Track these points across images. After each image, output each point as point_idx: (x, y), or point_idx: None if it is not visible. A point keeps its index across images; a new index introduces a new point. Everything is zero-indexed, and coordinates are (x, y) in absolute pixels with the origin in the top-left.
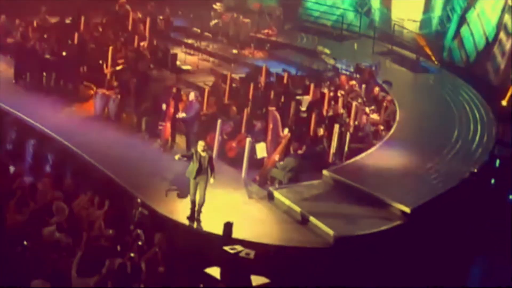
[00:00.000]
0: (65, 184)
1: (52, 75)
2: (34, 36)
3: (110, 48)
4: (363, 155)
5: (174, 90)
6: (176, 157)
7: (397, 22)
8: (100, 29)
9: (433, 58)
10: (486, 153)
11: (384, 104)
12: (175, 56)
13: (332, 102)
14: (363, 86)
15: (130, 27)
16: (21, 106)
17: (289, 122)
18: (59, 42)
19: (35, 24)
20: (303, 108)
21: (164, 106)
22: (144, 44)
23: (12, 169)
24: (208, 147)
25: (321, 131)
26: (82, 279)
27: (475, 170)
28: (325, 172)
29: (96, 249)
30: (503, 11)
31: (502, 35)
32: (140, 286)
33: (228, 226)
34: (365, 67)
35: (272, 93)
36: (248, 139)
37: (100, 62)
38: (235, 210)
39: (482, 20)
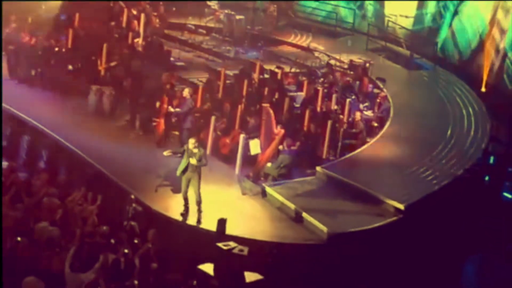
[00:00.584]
0: (59, 180)
1: (46, 71)
2: (29, 32)
3: (105, 44)
4: (356, 151)
5: (168, 86)
6: (165, 153)
7: (390, 18)
8: (94, 25)
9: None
10: (480, 150)
11: (378, 100)
12: (169, 52)
13: (326, 99)
14: (357, 82)
15: (124, 24)
16: (15, 102)
17: (283, 118)
18: (54, 38)
19: (29, 20)
20: (297, 105)
21: (158, 103)
22: (138, 40)
23: (6, 164)
24: (201, 144)
25: (314, 128)
26: (75, 274)
27: (469, 167)
28: (318, 168)
29: (90, 245)
30: (496, 8)
31: (495, 32)
32: (133, 282)
33: (221, 223)
34: (358, 64)
35: (266, 89)
36: (242, 136)
37: (94, 58)
38: (228, 207)
39: (475, 17)
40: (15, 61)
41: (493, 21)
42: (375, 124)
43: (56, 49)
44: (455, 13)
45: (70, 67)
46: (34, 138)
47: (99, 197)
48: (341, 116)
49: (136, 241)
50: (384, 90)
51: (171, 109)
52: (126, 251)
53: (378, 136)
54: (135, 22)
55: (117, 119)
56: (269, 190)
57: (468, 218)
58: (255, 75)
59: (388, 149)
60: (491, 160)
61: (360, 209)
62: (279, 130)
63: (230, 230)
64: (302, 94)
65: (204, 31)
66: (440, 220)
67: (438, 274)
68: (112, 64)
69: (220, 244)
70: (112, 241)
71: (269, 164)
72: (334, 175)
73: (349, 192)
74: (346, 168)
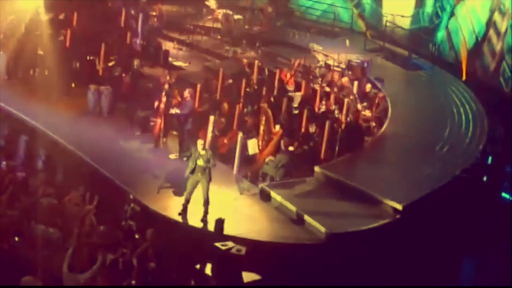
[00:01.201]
0: (57, 179)
1: (45, 71)
2: (27, 32)
3: (103, 44)
4: (355, 151)
5: (167, 86)
6: (171, 156)
7: (388, 17)
8: (93, 25)
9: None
10: (478, 150)
11: (376, 101)
12: (167, 52)
13: (324, 99)
14: (355, 82)
15: (122, 23)
16: (13, 102)
17: (281, 118)
18: (52, 37)
19: (27, 19)
20: (295, 105)
21: (156, 103)
22: (136, 40)
23: (4, 164)
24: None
25: (312, 128)
26: (73, 275)
27: (467, 168)
28: (316, 168)
29: (88, 245)
30: (493, 9)
31: (491, 34)
32: (131, 282)
33: (219, 222)
34: (357, 64)
35: (264, 89)
36: (240, 135)
37: (93, 58)
38: (226, 207)
39: (472, 18)
40: (13, 61)
41: (489, 23)
42: (373, 124)
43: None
44: (452, 14)
45: (68, 66)
46: (32, 138)
47: (96, 198)
48: (339, 116)
49: (134, 240)
50: (382, 90)
51: (172, 111)
52: (124, 251)
53: (376, 136)
54: (134, 22)
55: (115, 118)
56: (267, 190)
57: (467, 218)
58: (253, 75)
59: (386, 149)
60: (489, 160)
61: (358, 209)
62: (277, 130)
63: (228, 230)
64: (300, 94)
65: (203, 31)
66: (438, 220)
67: (437, 274)
68: (111, 64)
69: (218, 244)
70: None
71: (267, 160)
72: (332, 175)
73: (347, 192)
74: (344, 168)
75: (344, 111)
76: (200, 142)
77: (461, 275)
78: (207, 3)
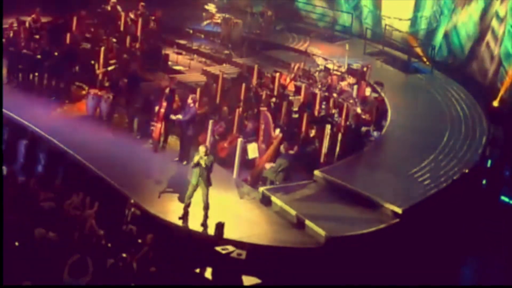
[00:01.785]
0: (57, 184)
1: (44, 75)
2: (26, 36)
3: (102, 48)
4: (354, 155)
5: (167, 91)
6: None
7: (387, 21)
8: (92, 30)
9: (424, 59)
10: (478, 154)
11: (376, 104)
12: (166, 56)
13: (324, 103)
14: (355, 86)
15: (122, 28)
16: (13, 106)
17: (281, 122)
18: (51, 42)
19: (27, 24)
20: (295, 109)
21: (156, 107)
22: (136, 44)
23: (4, 169)
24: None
25: (312, 132)
26: (74, 279)
27: (467, 171)
28: (316, 172)
29: (88, 249)
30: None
31: (489, 39)
32: (131, 286)
33: (219, 227)
34: (356, 68)
35: (264, 93)
36: (240, 140)
37: (92, 62)
38: (226, 211)
39: (470, 23)
40: (14, 66)
41: (487, 28)
42: (373, 128)
43: (55, 53)
44: (450, 18)
45: (68, 71)
46: (32, 143)
47: (96, 204)
48: (339, 120)
49: (134, 244)
50: (382, 94)
51: (173, 117)
52: (124, 255)
53: (376, 140)
54: (133, 26)
55: (114, 123)
56: (267, 194)
57: (466, 221)
58: (253, 79)
59: (386, 153)
60: (489, 164)
61: (358, 213)
62: (277, 134)
63: (228, 234)
64: (300, 98)
65: (202, 35)
66: (438, 223)
67: (437, 277)
68: (110, 68)
69: (218, 248)
70: (109, 245)
71: (267, 167)
72: (332, 179)
73: (347, 196)
74: (344, 172)
75: (344, 115)
76: (202, 149)
77: (461, 279)
78: (206, 7)
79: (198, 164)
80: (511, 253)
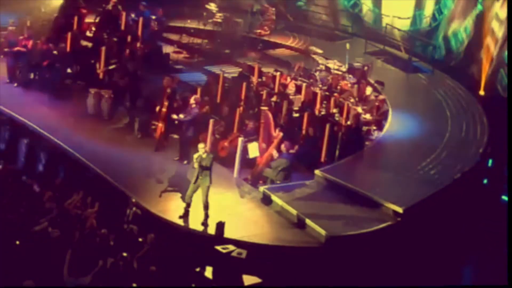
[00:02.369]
0: (58, 183)
1: (45, 74)
2: (27, 35)
3: (103, 48)
4: (355, 155)
5: (169, 90)
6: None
7: (387, 19)
8: (93, 29)
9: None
10: (479, 153)
11: (376, 104)
12: (167, 55)
13: (324, 102)
14: (355, 86)
15: (123, 27)
16: (14, 105)
17: (282, 121)
18: (52, 41)
19: (28, 23)
20: (295, 108)
21: (157, 107)
22: (136, 43)
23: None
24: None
25: (313, 131)
26: (74, 278)
27: (468, 170)
28: (317, 172)
29: (88, 248)
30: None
31: (489, 41)
32: (132, 285)
33: (220, 226)
34: (357, 67)
35: (265, 92)
36: (240, 139)
37: (93, 61)
38: (227, 210)
39: (469, 23)
40: (14, 65)
41: (487, 30)
42: (374, 127)
43: (55, 52)
44: (449, 18)
45: (68, 70)
46: (33, 141)
47: (97, 204)
48: (339, 120)
49: (135, 243)
50: (383, 93)
51: (175, 117)
52: (124, 254)
53: (377, 139)
54: (134, 25)
55: (115, 122)
56: (268, 193)
57: (467, 221)
58: (254, 78)
59: (387, 152)
60: (490, 163)
61: (359, 212)
62: (277, 134)
63: (228, 233)
64: (300, 98)
65: (203, 34)
66: (439, 223)
67: (437, 276)
68: (111, 67)
69: (218, 247)
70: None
71: (267, 167)
72: (333, 178)
73: (347, 196)
74: (344, 171)
75: (345, 115)
76: (201, 146)
77: (461, 278)
78: (207, 6)
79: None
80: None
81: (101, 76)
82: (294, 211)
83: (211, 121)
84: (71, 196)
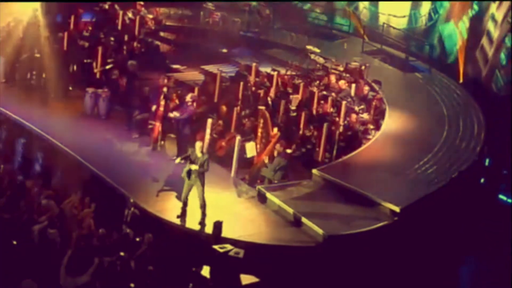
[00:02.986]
0: (55, 182)
1: (42, 74)
2: (24, 35)
3: (100, 47)
4: (352, 154)
5: (165, 89)
6: (177, 160)
7: (384, 17)
8: (90, 28)
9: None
10: (476, 153)
11: (374, 103)
12: (164, 55)
13: (322, 101)
14: (353, 85)
15: (120, 27)
16: (10, 105)
17: (279, 121)
18: (49, 40)
19: (24, 23)
20: (293, 107)
21: (154, 106)
22: (133, 43)
23: (1, 167)
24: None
25: (310, 130)
26: (71, 278)
27: (465, 169)
28: (314, 171)
29: (86, 248)
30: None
31: (484, 41)
32: (130, 285)
33: (217, 225)
34: (354, 67)
35: (262, 92)
36: (238, 138)
37: (90, 61)
38: (224, 209)
39: (465, 24)
40: (11, 64)
41: (483, 30)
42: (371, 127)
43: (53, 52)
44: (445, 17)
45: (66, 69)
46: (29, 141)
47: (93, 204)
48: (337, 119)
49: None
50: (380, 92)
51: (171, 115)
52: (122, 254)
53: (374, 138)
54: (131, 24)
55: (112, 121)
56: (265, 193)
57: (464, 220)
58: (251, 78)
59: (384, 151)
60: (487, 162)
61: (356, 211)
62: (275, 133)
63: (226, 232)
64: (298, 97)
65: (200, 34)
66: (436, 222)
67: (435, 276)
68: (108, 66)
69: (216, 247)
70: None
71: (265, 167)
72: (330, 177)
73: (345, 195)
74: (342, 170)
75: (342, 114)
76: (198, 145)
77: (459, 277)
78: (205, 5)
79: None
80: (509, 251)
81: (98, 75)
82: (291, 211)
83: (208, 120)
84: (68, 196)
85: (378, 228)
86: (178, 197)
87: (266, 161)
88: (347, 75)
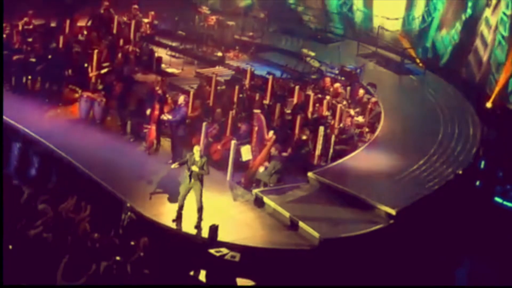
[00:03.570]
0: (51, 187)
1: (37, 78)
2: (19, 39)
3: (95, 51)
4: (348, 157)
5: (160, 92)
6: (173, 166)
7: (378, 20)
8: (85, 32)
9: (417, 61)
10: (471, 155)
11: (369, 106)
12: (160, 59)
13: (317, 105)
14: (348, 88)
15: (115, 30)
16: (6, 110)
17: (274, 124)
18: (44, 45)
19: (20, 27)
20: (288, 111)
21: (149, 110)
22: (129, 47)
23: None
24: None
25: (306, 134)
26: (68, 283)
27: (460, 172)
28: (310, 174)
29: (82, 252)
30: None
31: (478, 45)
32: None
33: (213, 229)
34: (349, 70)
35: (257, 95)
36: (233, 142)
37: (85, 65)
38: (220, 213)
39: (458, 27)
40: (7, 69)
41: (476, 34)
42: (366, 130)
43: (49, 56)
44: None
45: (61, 74)
46: (25, 145)
47: (89, 207)
48: (332, 122)
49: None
50: (375, 95)
51: (164, 117)
52: (118, 258)
53: (369, 141)
54: (126, 29)
55: (108, 125)
56: (261, 196)
57: (460, 223)
58: (246, 81)
59: (380, 154)
60: (482, 164)
61: (352, 214)
62: (270, 136)
63: (222, 236)
64: (293, 100)
65: (195, 37)
66: (431, 225)
67: (430, 278)
68: (103, 71)
69: (212, 251)
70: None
71: (261, 170)
72: (326, 181)
73: (340, 198)
74: (337, 174)
75: (337, 117)
76: (197, 149)
77: (454, 280)
78: (200, 9)
79: (190, 168)
80: (504, 254)
81: (93, 79)
82: (287, 214)
83: (204, 124)
84: (64, 200)
85: (374, 231)
86: (174, 201)
87: (267, 164)
88: (342, 78)
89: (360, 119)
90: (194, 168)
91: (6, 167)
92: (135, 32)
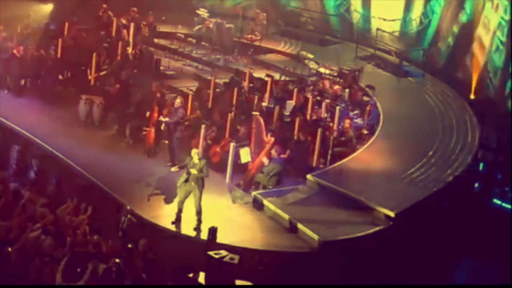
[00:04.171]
0: (49, 189)
1: (36, 81)
2: (17, 42)
3: (94, 54)
4: (347, 159)
5: (159, 95)
6: (173, 169)
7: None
8: (84, 35)
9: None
10: (470, 157)
11: (368, 108)
12: (158, 61)
13: (316, 107)
14: (347, 90)
15: (114, 33)
16: (4, 112)
17: (273, 126)
18: (43, 48)
19: (18, 29)
20: (287, 113)
21: (148, 112)
22: (127, 49)
23: None
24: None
25: (304, 136)
26: (67, 284)
27: (459, 174)
28: (309, 176)
29: (81, 255)
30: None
31: (475, 48)
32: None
33: (212, 231)
34: (348, 72)
35: (256, 98)
36: (232, 144)
37: (84, 68)
38: (219, 215)
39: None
40: (5, 71)
41: (473, 36)
42: (365, 132)
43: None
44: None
45: (60, 76)
46: (24, 148)
47: (89, 208)
48: (331, 124)
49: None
50: (374, 97)
51: (162, 119)
52: (117, 260)
53: (368, 143)
54: (125, 31)
55: (107, 128)
56: (260, 198)
57: (458, 225)
58: (245, 84)
59: (378, 156)
60: (481, 167)
61: (351, 216)
62: (269, 139)
63: (221, 238)
64: (292, 102)
65: (194, 40)
66: (430, 227)
67: (429, 280)
68: (102, 73)
69: (211, 253)
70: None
71: (266, 162)
72: (325, 183)
73: (339, 200)
74: (336, 176)
75: (336, 119)
76: (195, 151)
77: (453, 282)
78: (198, 12)
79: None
80: (503, 256)
81: (92, 82)
82: (286, 216)
83: (202, 126)
84: (63, 203)
85: (373, 233)
86: (173, 203)
87: (266, 163)
88: (341, 80)
89: (358, 121)
90: (193, 171)
91: (4, 170)
92: (134, 35)
